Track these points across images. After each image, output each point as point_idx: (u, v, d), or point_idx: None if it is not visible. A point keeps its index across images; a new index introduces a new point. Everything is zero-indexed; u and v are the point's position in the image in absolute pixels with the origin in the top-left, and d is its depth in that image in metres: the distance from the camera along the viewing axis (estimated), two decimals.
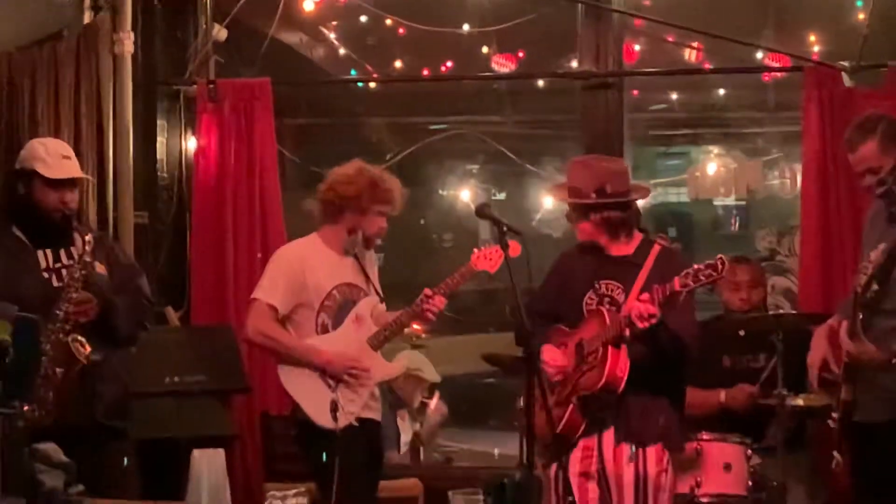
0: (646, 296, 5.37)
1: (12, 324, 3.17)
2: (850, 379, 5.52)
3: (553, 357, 5.68)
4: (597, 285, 5.74)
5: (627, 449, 5.59)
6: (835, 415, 5.66)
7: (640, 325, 5.32)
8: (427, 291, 6.12)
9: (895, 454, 5.30)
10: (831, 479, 6.62)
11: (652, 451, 5.59)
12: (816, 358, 5.68)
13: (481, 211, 5.28)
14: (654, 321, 5.31)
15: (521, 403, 5.97)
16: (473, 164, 12.45)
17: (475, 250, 6.29)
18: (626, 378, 5.48)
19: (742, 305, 6.84)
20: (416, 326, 6.51)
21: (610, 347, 5.48)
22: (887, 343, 5.35)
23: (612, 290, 5.72)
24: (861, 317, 5.36)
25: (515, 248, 6.12)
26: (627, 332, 5.43)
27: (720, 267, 5.32)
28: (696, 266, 5.39)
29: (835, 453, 5.72)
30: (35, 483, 3.79)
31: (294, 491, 2.92)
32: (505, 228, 5.25)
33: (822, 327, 5.77)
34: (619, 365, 5.47)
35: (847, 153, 5.63)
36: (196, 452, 2.98)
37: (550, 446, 5.51)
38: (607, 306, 5.65)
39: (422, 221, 12.91)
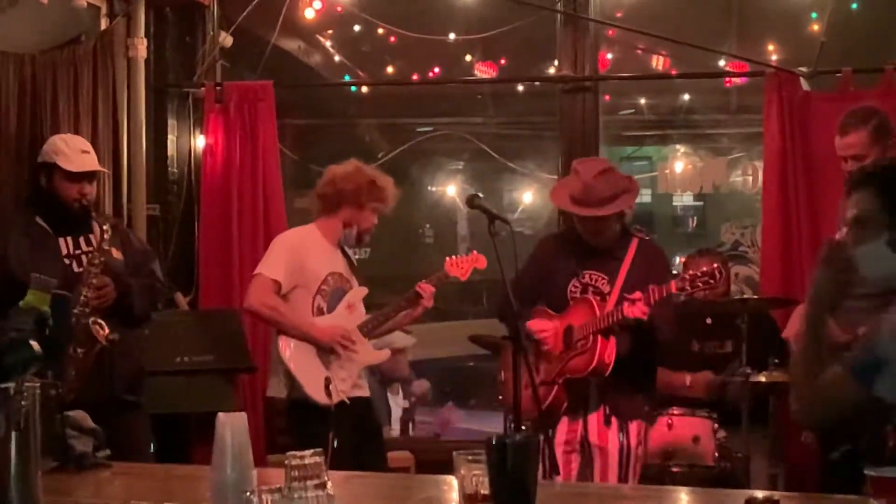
0: (638, 294, 5.42)
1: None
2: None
3: (542, 325, 5.74)
4: (581, 274, 5.80)
5: (614, 424, 5.69)
6: None
7: (631, 319, 5.43)
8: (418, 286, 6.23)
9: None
10: (789, 453, 6.68)
11: (633, 426, 5.76)
12: (792, 333, 5.73)
13: (472, 202, 5.29)
14: (644, 318, 5.41)
15: (502, 377, 6.04)
16: (458, 163, 12.49)
17: (448, 259, 6.39)
18: (612, 365, 5.56)
19: (707, 296, 6.84)
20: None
21: (600, 336, 5.56)
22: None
23: (595, 280, 5.81)
24: None
25: (482, 261, 6.23)
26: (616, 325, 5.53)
27: (718, 276, 5.37)
28: (692, 273, 5.43)
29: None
30: (66, 447, 3.80)
31: (311, 451, 2.92)
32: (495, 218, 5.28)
33: (800, 307, 5.81)
34: (608, 352, 5.58)
35: (836, 136, 5.65)
36: (221, 415, 2.98)
37: (536, 421, 5.57)
38: (592, 295, 5.71)
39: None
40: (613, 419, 5.73)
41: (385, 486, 3.93)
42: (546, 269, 5.85)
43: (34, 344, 2.92)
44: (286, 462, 2.91)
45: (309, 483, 2.89)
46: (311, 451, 2.93)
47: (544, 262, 5.88)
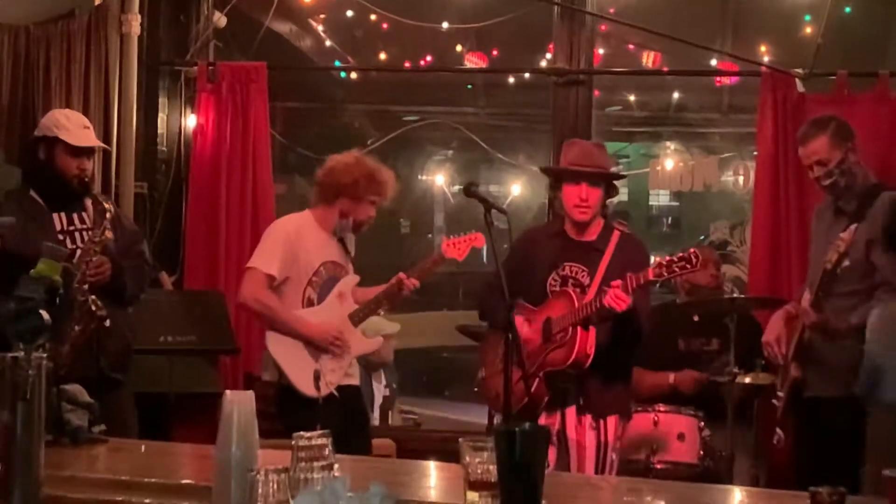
0: (618, 283, 5.34)
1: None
2: (801, 357, 5.61)
3: (519, 328, 5.69)
4: (560, 267, 5.76)
5: (590, 419, 5.64)
6: (780, 393, 5.76)
7: (617, 309, 5.30)
8: (401, 274, 6.17)
9: (842, 427, 5.37)
10: (771, 453, 6.69)
11: (611, 421, 5.67)
12: (772, 337, 5.78)
13: (469, 190, 5.26)
14: (625, 307, 5.33)
15: (482, 374, 6.01)
16: (447, 152, 12.49)
17: (444, 238, 6.34)
18: (592, 356, 5.51)
19: (712, 281, 6.89)
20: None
21: (579, 328, 5.49)
22: (843, 317, 5.46)
23: (576, 273, 5.73)
24: (820, 294, 5.48)
25: (480, 239, 6.17)
26: (596, 315, 5.45)
27: (694, 260, 5.33)
28: (669, 257, 5.39)
29: (777, 430, 5.80)
30: (62, 421, 3.76)
31: (318, 433, 2.90)
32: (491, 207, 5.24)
33: (780, 311, 5.89)
34: (588, 344, 5.48)
35: (798, 147, 5.80)
36: (228, 393, 2.95)
37: (515, 416, 5.56)
38: (572, 288, 5.67)
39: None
40: (590, 414, 5.67)
41: (388, 471, 3.89)
42: (525, 262, 5.80)
43: (44, 313, 2.88)
44: (293, 443, 2.88)
45: (315, 464, 2.86)
46: (319, 432, 2.91)
47: (524, 256, 5.84)
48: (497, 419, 6.07)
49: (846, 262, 5.46)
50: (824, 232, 5.83)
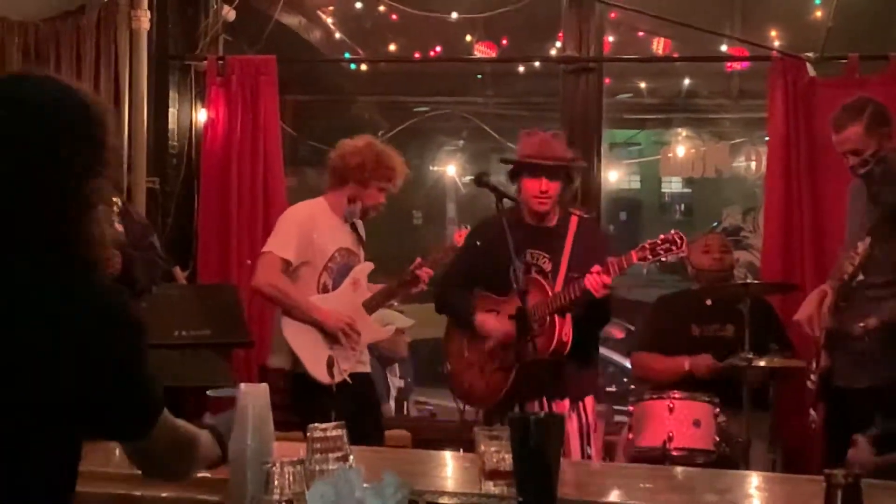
0: (597, 268, 5.39)
1: None
2: (830, 346, 5.57)
3: (496, 325, 5.71)
4: (523, 254, 5.76)
5: (567, 403, 5.69)
6: (813, 376, 5.71)
7: (596, 294, 5.37)
8: (419, 260, 6.17)
9: (868, 418, 5.34)
10: (788, 438, 6.68)
11: (588, 401, 5.80)
12: (803, 316, 5.72)
13: (480, 180, 5.25)
14: (606, 292, 5.38)
15: (448, 368, 6.02)
16: (457, 142, 12.47)
17: (457, 228, 6.35)
18: (570, 343, 5.54)
19: (714, 265, 6.79)
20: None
21: (556, 316, 5.51)
22: (864, 314, 5.40)
23: (538, 259, 5.79)
24: (840, 301, 5.44)
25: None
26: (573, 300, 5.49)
27: (679, 241, 5.34)
28: (653, 240, 5.41)
29: (811, 411, 5.78)
30: None
31: (333, 424, 2.91)
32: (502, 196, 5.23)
33: (817, 290, 5.80)
34: (565, 331, 5.55)
35: (832, 134, 5.67)
36: (243, 386, 2.96)
37: (495, 408, 5.58)
38: (535, 274, 5.69)
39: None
40: (567, 398, 5.72)
41: (404, 461, 3.89)
42: (484, 252, 5.79)
43: None
44: (308, 434, 2.89)
45: (331, 455, 2.88)
46: (334, 423, 2.92)
47: (482, 246, 5.82)
48: (466, 410, 6.05)
49: (860, 277, 5.40)
50: (856, 215, 5.76)
